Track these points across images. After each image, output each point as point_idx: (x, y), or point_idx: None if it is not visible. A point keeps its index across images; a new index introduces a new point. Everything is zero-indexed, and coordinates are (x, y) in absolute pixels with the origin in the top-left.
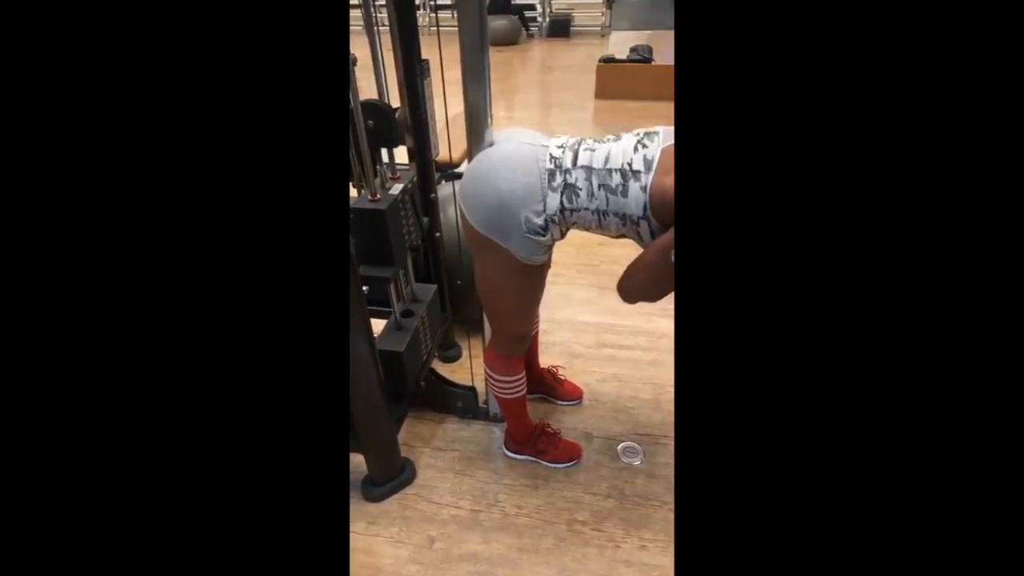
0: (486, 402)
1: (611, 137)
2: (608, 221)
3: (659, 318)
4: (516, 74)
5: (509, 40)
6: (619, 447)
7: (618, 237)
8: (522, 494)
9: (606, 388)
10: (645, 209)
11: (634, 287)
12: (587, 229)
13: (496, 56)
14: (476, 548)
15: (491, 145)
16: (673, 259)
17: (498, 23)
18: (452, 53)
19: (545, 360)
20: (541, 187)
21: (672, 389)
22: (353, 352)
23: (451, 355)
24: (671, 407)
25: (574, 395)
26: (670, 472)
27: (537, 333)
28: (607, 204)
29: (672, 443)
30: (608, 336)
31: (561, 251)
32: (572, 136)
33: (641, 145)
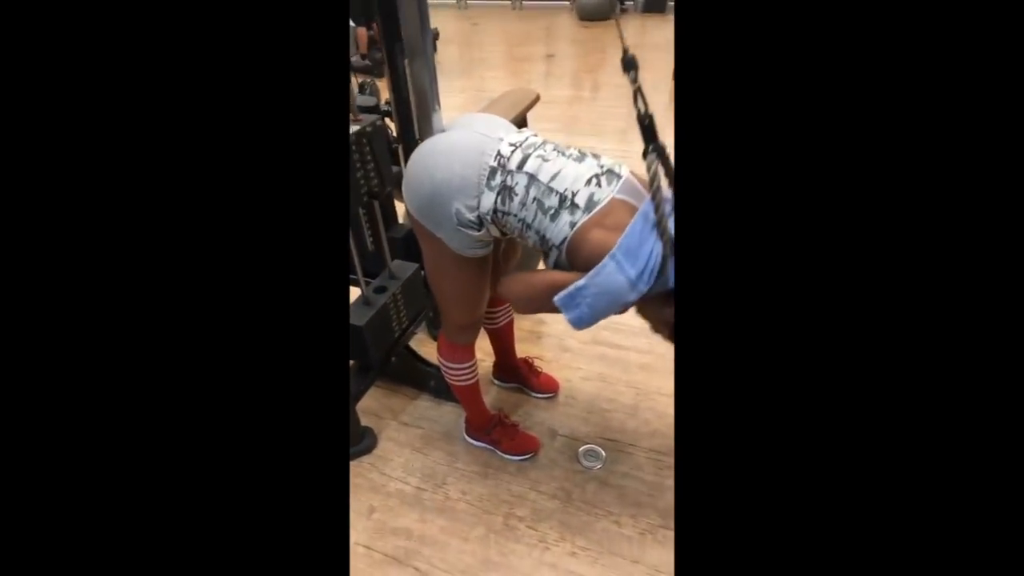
0: None
1: (574, 152)
2: (528, 235)
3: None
4: (604, 51)
5: (601, 15)
6: (581, 449)
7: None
8: (469, 480)
9: (586, 387)
10: (563, 242)
11: (507, 290)
12: (512, 235)
13: (584, 32)
14: (411, 525)
15: (441, 131)
16: (555, 301)
17: None
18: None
19: (534, 350)
20: (478, 182)
21: (656, 397)
22: None
23: (434, 333)
24: (649, 415)
25: (549, 388)
26: (625, 483)
27: (512, 322)
28: (533, 219)
29: (636, 453)
30: (605, 333)
31: None
32: (536, 136)
33: (596, 182)
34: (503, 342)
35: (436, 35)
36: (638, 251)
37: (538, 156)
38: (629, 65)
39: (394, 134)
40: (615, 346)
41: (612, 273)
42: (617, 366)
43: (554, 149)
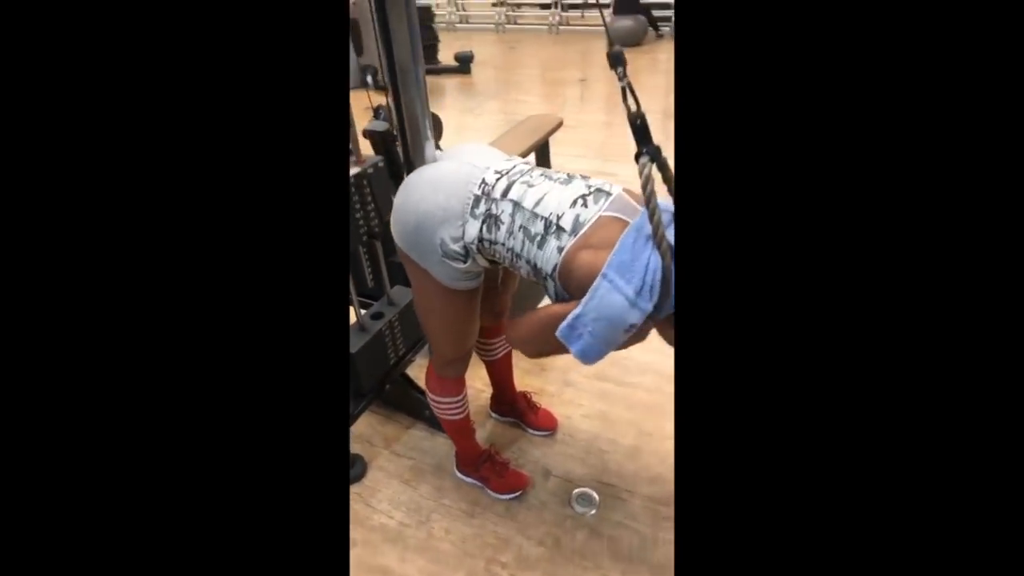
0: None
1: (562, 176)
2: (519, 265)
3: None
4: (637, 78)
5: (634, 41)
6: (574, 492)
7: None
8: (455, 518)
9: (586, 425)
10: (554, 269)
11: (512, 337)
12: (504, 263)
13: None
14: (390, 563)
15: (433, 161)
16: (557, 334)
17: (622, 24)
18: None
19: (536, 383)
20: (463, 212)
21: (659, 440)
22: None
23: None
24: (650, 459)
25: (547, 425)
26: (617, 534)
27: (510, 354)
28: (521, 248)
29: (632, 501)
30: (611, 369)
31: None
32: (525, 163)
33: (582, 202)
34: (500, 375)
35: (471, 58)
36: (632, 266)
37: (523, 183)
38: (616, 60)
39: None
40: (621, 383)
41: (607, 293)
42: (621, 404)
43: (541, 175)
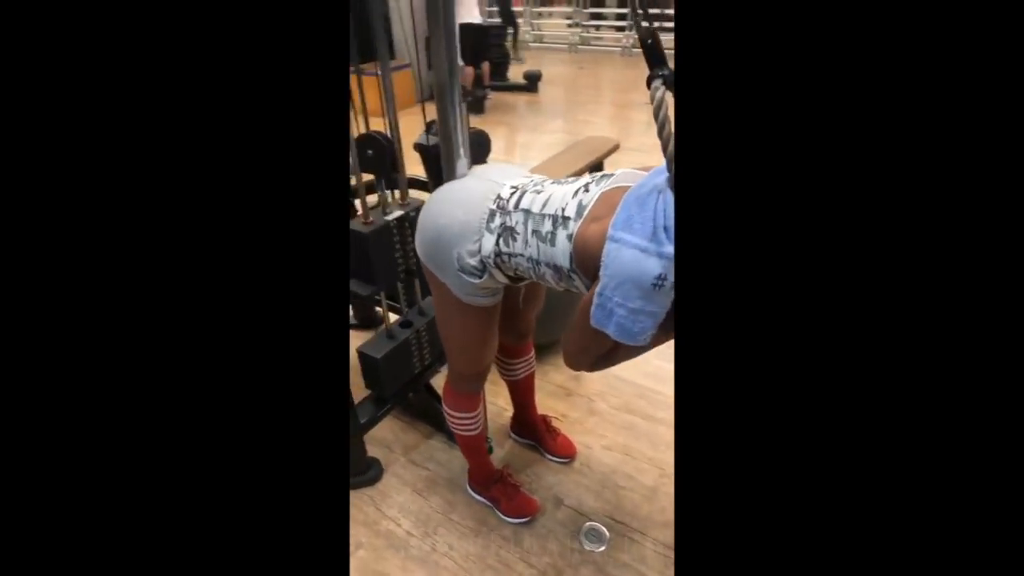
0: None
1: (571, 179)
2: (543, 272)
3: None
4: None
5: None
6: (585, 526)
7: (564, 291)
8: (461, 535)
9: (606, 458)
10: (571, 261)
11: (565, 355)
12: (526, 276)
13: None
14: (390, 571)
15: (462, 177)
16: (591, 322)
17: None
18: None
19: (561, 407)
20: (479, 226)
21: None
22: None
23: None
24: (667, 502)
25: (565, 453)
26: (624, 573)
27: (532, 376)
28: (538, 253)
29: (644, 543)
30: (639, 402)
31: None
32: (542, 178)
33: (583, 189)
34: (522, 396)
35: (539, 77)
36: (637, 217)
37: (532, 192)
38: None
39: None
40: (648, 417)
41: (617, 253)
42: (645, 440)
43: (552, 183)
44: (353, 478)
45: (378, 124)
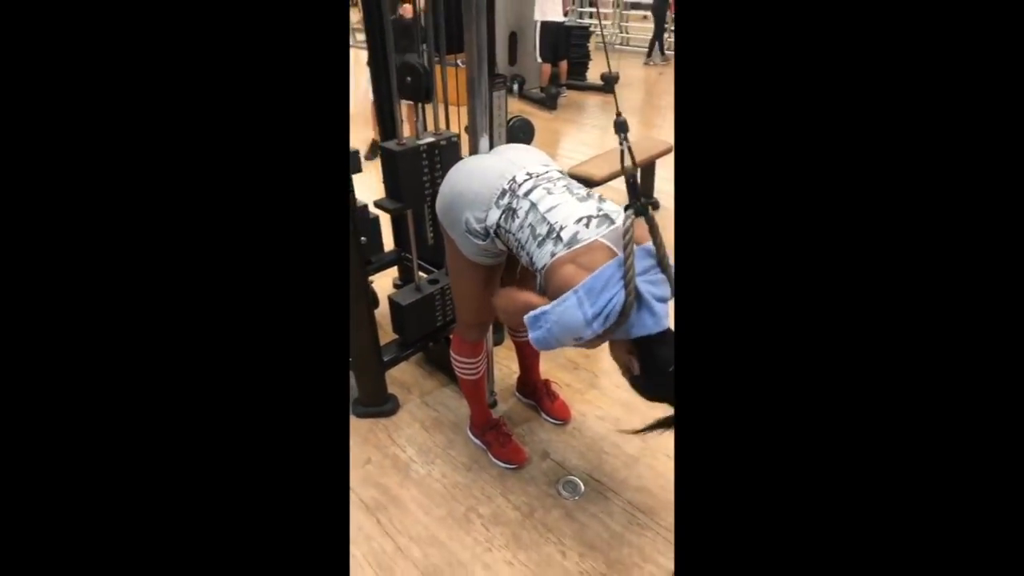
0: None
1: (581, 193)
2: (521, 254)
3: None
4: None
5: None
6: (564, 478)
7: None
8: (454, 467)
9: (597, 426)
10: (543, 269)
11: (496, 301)
12: (512, 251)
13: None
14: (390, 484)
15: (485, 152)
16: (524, 319)
17: None
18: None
19: (566, 377)
20: (489, 200)
21: (659, 457)
22: (354, 295)
23: (494, 338)
24: (644, 472)
25: (561, 416)
26: (588, 523)
27: None
28: (526, 242)
29: (614, 501)
30: None
31: None
32: (559, 172)
33: (585, 222)
34: (526, 359)
35: (616, 79)
36: (600, 294)
37: (544, 188)
38: (620, 128)
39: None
40: (644, 401)
41: (571, 307)
42: (637, 417)
43: (564, 186)
44: (373, 408)
45: (454, 113)
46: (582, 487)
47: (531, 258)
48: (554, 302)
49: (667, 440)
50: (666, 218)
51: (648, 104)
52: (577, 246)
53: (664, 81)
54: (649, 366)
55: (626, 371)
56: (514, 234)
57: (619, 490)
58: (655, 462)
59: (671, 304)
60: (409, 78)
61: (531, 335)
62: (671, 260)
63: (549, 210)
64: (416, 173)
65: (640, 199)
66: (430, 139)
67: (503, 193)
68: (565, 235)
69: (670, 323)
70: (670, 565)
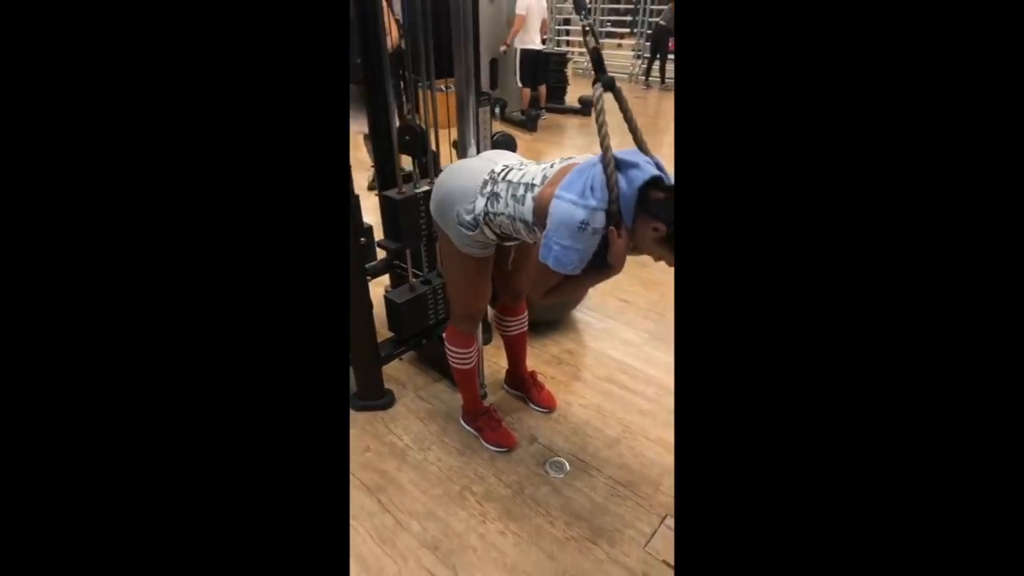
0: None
1: (547, 166)
2: (517, 227)
3: None
4: None
5: None
6: (551, 459)
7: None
8: (448, 452)
9: (581, 413)
10: (533, 215)
11: (527, 284)
12: (508, 232)
13: None
14: (389, 469)
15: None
16: (539, 258)
17: None
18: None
19: (551, 371)
20: (475, 191)
21: (640, 439)
22: (353, 294)
23: (484, 338)
24: (626, 451)
25: (547, 404)
26: (574, 496)
27: (524, 335)
28: (513, 211)
29: (597, 477)
30: (620, 375)
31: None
32: (532, 161)
33: (550, 165)
34: (514, 352)
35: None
36: (576, 182)
37: (517, 169)
38: (580, 6)
39: None
40: (624, 387)
41: (558, 208)
42: (618, 404)
43: (533, 164)
44: (371, 401)
45: (444, 134)
46: (568, 466)
47: (523, 220)
48: (547, 220)
49: (647, 423)
50: None
51: (624, 127)
52: (548, 179)
53: (640, 105)
54: (670, 215)
55: (668, 252)
56: (502, 212)
57: (602, 467)
58: (635, 443)
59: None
60: (408, 137)
61: (549, 262)
62: (641, 135)
63: (521, 177)
64: (415, 217)
65: (606, 72)
66: (426, 187)
67: (485, 183)
68: (537, 180)
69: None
70: (647, 529)
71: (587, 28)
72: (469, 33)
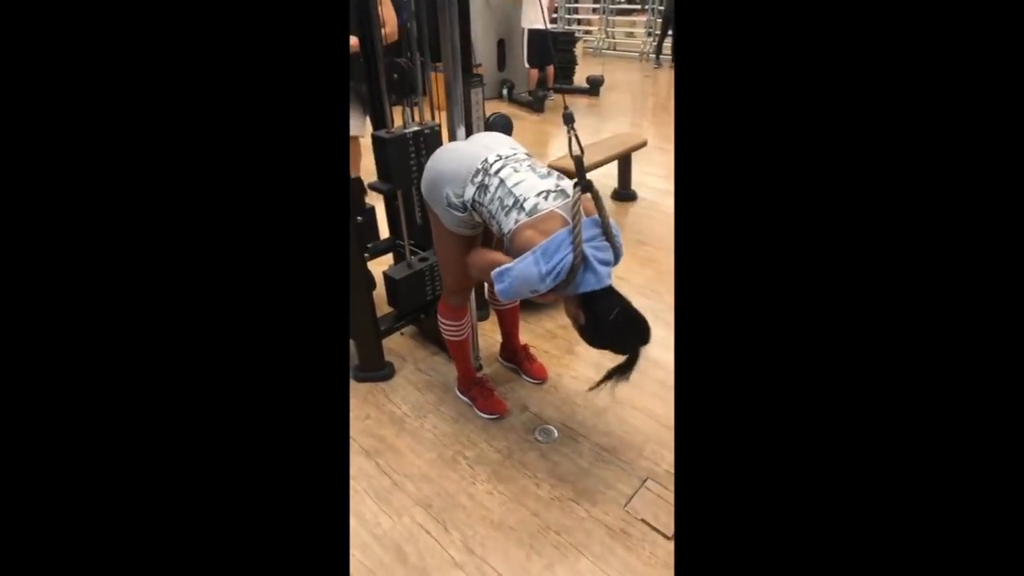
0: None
1: (543, 171)
2: (492, 224)
3: (668, 353)
4: None
5: None
6: (540, 426)
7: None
8: (443, 420)
9: (571, 384)
10: (508, 234)
11: (470, 259)
12: (489, 223)
13: None
14: (387, 435)
15: (461, 141)
16: (491, 274)
17: None
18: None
19: (545, 345)
20: (466, 178)
21: (627, 408)
22: (353, 271)
23: (480, 314)
24: (612, 420)
25: (538, 376)
26: (560, 460)
27: (516, 310)
28: (496, 212)
29: (583, 443)
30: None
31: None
32: (526, 154)
33: (544, 196)
34: (506, 326)
35: (601, 81)
36: (553, 255)
37: (512, 167)
38: (568, 120)
39: None
40: (615, 360)
41: (529, 265)
42: None
43: (529, 165)
44: (371, 372)
45: (443, 116)
46: (555, 433)
47: (500, 225)
48: (516, 260)
49: (634, 393)
50: (644, 207)
51: (632, 106)
52: (537, 215)
53: (650, 83)
54: (591, 317)
55: (575, 322)
56: (486, 206)
57: (588, 435)
58: (622, 412)
59: (615, 269)
60: (396, 75)
61: (497, 287)
62: (614, 230)
63: (515, 185)
64: (404, 157)
65: (585, 177)
66: (415, 128)
67: (477, 172)
68: (527, 205)
69: (612, 283)
70: (628, 491)
71: (572, 135)
72: (455, 13)
